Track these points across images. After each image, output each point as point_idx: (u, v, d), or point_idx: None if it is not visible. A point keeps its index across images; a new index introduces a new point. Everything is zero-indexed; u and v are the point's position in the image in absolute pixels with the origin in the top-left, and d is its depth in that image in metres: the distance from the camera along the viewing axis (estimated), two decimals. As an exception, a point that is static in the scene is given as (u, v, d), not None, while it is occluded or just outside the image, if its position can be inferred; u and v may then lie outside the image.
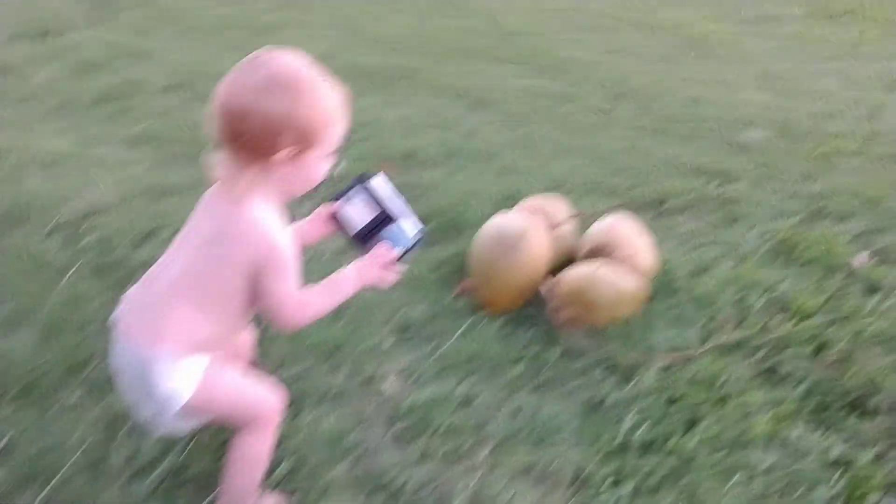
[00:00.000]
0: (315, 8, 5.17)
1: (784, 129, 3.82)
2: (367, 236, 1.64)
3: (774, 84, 4.41)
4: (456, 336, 2.37)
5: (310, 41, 4.55)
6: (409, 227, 1.65)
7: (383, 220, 1.63)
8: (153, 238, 2.72)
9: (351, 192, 1.66)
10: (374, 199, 1.64)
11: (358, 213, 1.66)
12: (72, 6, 4.94)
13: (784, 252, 2.86)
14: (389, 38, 4.70)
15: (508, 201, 3.02)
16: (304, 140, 1.46)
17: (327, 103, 1.47)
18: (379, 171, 1.67)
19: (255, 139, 1.45)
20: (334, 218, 1.70)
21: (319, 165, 1.53)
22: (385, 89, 4.02)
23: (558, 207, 2.76)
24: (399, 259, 1.66)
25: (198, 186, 2.99)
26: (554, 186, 3.18)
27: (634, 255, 2.58)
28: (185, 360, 1.55)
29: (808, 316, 2.53)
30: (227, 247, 1.50)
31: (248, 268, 1.51)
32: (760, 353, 2.37)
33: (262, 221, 1.49)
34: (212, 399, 1.61)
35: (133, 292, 1.61)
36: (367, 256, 1.65)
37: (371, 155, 3.33)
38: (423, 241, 1.65)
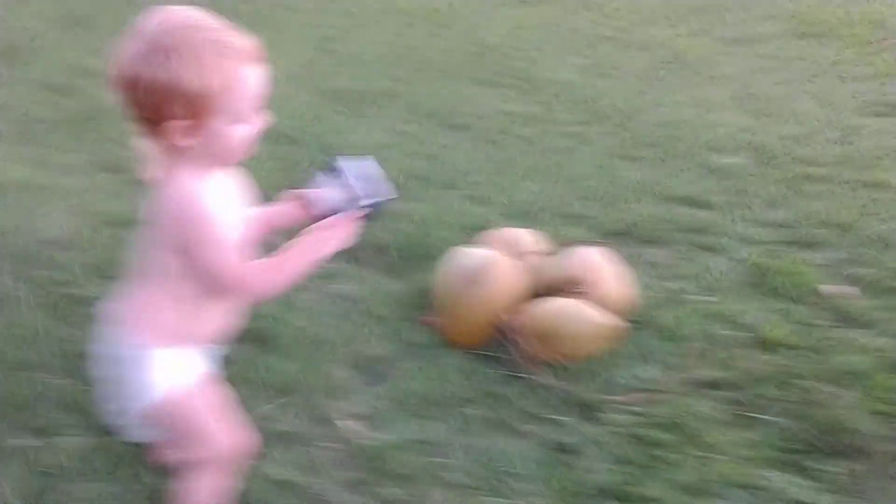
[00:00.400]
0: (290, 27, 5.12)
1: (757, 152, 3.80)
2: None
3: (750, 105, 4.38)
4: (415, 373, 2.32)
5: (282, 60, 4.50)
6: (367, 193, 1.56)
7: (352, 198, 1.55)
8: (109, 270, 2.66)
9: (320, 175, 1.60)
10: (343, 180, 1.57)
11: (327, 193, 1.57)
12: (43, 25, 4.88)
13: (753, 281, 2.82)
14: (363, 57, 4.66)
15: (475, 230, 2.97)
16: (196, 107, 1.36)
17: (218, 66, 1.34)
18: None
19: (146, 110, 1.37)
20: (303, 200, 1.60)
21: (232, 131, 1.41)
22: (355, 111, 3.97)
23: (526, 238, 2.72)
24: (365, 217, 1.57)
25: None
26: (523, 213, 3.14)
27: (603, 287, 2.54)
28: (160, 351, 1.52)
29: (777, 347, 2.50)
30: (158, 224, 1.44)
31: (174, 240, 1.43)
32: (727, 391, 2.34)
33: (181, 191, 1.41)
34: (178, 412, 1.56)
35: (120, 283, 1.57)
36: (323, 222, 1.54)
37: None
38: (388, 205, 1.57)
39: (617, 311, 2.56)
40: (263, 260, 1.50)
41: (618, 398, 2.28)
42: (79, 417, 2.06)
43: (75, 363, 2.23)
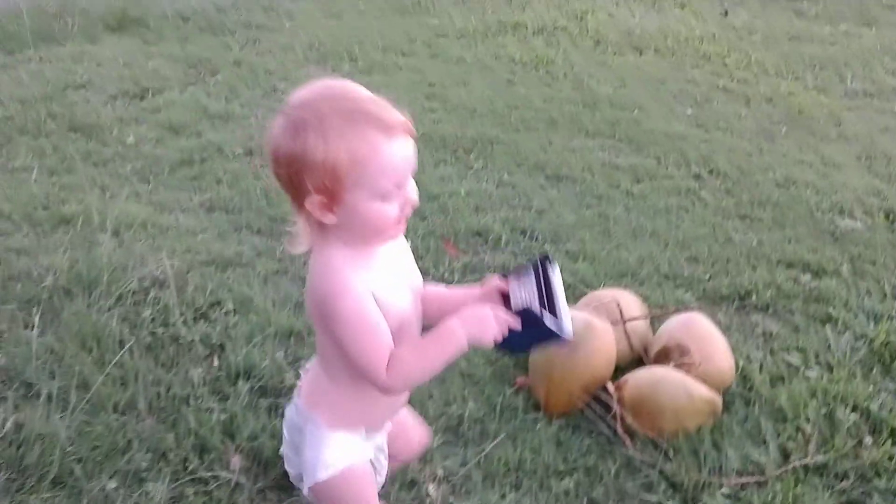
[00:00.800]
0: (400, 72, 5.18)
1: (887, 217, 3.54)
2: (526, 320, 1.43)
3: (878, 166, 4.12)
4: (507, 440, 2.23)
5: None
6: (557, 324, 1.44)
7: (546, 308, 1.44)
8: (213, 312, 2.69)
9: (523, 271, 1.52)
10: (543, 287, 1.47)
11: (524, 293, 1.48)
12: (170, 67, 5.11)
13: (880, 361, 2.60)
14: (472, 104, 4.65)
15: (575, 290, 2.87)
16: (326, 180, 1.31)
17: (348, 137, 1.29)
18: (544, 256, 1.52)
19: (287, 184, 1.36)
20: (500, 292, 1.53)
21: (373, 208, 1.34)
22: (461, 160, 3.95)
23: (628, 301, 2.59)
24: (521, 346, 1.49)
25: (262, 257, 3.03)
26: (628, 273, 3.01)
27: (709, 358, 2.39)
28: (335, 434, 1.53)
29: (905, 439, 2.27)
30: (308, 302, 1.45)
31: (319, 320, 1.42)
32: (846, 482, 2.13)
33: (321, 270, 1.39)
34: (337, 495, 1.57)
35: None
36: (473, 308, 1.45)
37: (438, 230, 3.25)
38: (556, 343, 1.46)
39: (724, 385, 2.40)
40: (412, 345, 1.44)
41: (723, 482, 2.11)
42: (164, 465, 2.07)
43: (167, 408, 2.26)
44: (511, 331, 1.41)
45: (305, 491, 1.59)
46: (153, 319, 2.62)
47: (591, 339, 2.31)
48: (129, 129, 4.18)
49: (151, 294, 2.74)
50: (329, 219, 1.36)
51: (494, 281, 1.54)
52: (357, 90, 1.37)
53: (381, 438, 1.65)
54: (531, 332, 1.41)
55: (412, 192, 1.40)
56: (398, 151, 1.34)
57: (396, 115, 1.34)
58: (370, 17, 6.34)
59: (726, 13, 6.90)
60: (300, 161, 1.32)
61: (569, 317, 1.44)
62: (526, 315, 1.41)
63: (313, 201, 1.34)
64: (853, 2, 7.28)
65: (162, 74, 4.97)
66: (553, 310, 1.44)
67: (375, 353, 1.40)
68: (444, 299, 1.56)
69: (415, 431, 1.82)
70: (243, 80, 4.93)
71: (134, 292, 2.75)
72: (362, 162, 1.31)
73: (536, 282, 1.48)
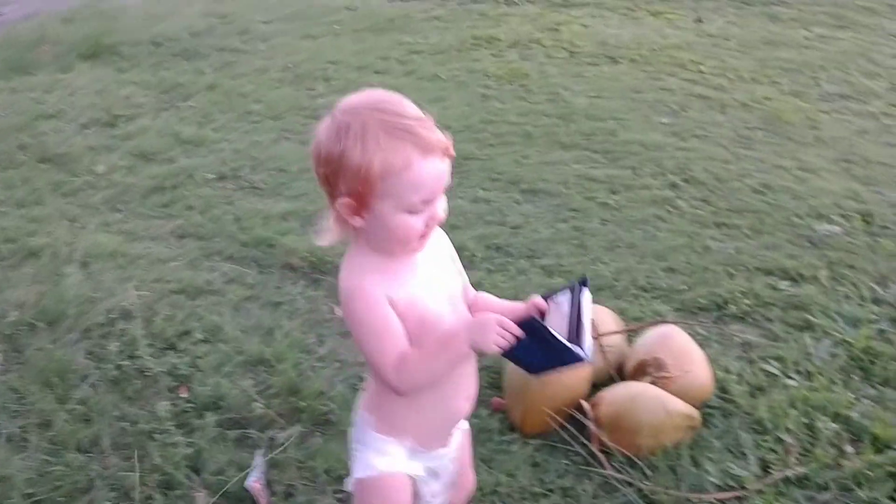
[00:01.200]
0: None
1: (866, 221, 3.52)
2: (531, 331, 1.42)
3: (856, 169, 4.10)
4: (482, 463, 2.18)
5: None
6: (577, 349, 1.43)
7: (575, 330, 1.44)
8: (181, 342, 2.64)
9: (561, 293, 1.52)
10: (576, 309, 1.47)
11: (557, 314, 1.49)
12: (143, 93, 5.07)
13: (860, 367, 2.56)
14: (447, 121, 4.56)
15: (551, 305, 2.83)
16: (357, 185, 1.37)
17: (385, 148, 1.35)
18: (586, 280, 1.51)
19: (324, 182, 1.43)
20: (539, 311, 1.54)
21: (398, 219, 1.39)
22: (436, 178, 3.91)
23: (603, 316, 2.55)
24: (541, 364, 1.47)
25: (233, 284, 2.99)
26: (602, 288, 2.97)
27: (686, 372, 2.35)
28: (380, 437, 1.57)
29: (888, 447, 2.23)
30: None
31: (347, 322, 1.48)
32: (827, 493, 2.09)
33: (347, 273, 1.47)
34: (364, 500, 1.60)
35: None
36: (481, 315, 1.47)
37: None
38: (575, 364, 1.44)
39: (702, 398, 2.36)
40: (420, 349, 1.45)
41: (704, 498, 2.07)
42: (129, 504, 2.02)
43: (132, 444, 2.20)
44: (524, 345, 1.40)
45: (350, 487, 1.63)
46: (120, 352, 2.57)
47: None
48: (100, 157, 4.13)
49: (118, 326, 2.69)
50: (356, 222, 1.42)
51: (536, 300, 1.56)
52: (404, 106, 1.42)
53: (436, 462, 1.65)
54: (545, 349, 1.40)
55: (440, 209, 1.45)
56: (430, 170, 1.39)
57: (436, 136, 1.40)
58: (345, 37, 6.31)
59: (700, 20, 6.90)
60: (337, 162, 1.38)
61: (589, 338, 1.43)
62: (530, 327, 1.39)
63: (343, 203, 1.41)
64: (827, 5, 7.30)
65: (134, 101, 4.93)
66: (578, 332, 1.43)
67: (382, 354, 1.45)
68: (490, 308, 1.58)
69: (467, 478, 1.84)
70: (217, 104, 4.89)
71: (101, 325, 2.70)
72: (394, 174, 1.36)
73: (570, 303, 1.48)
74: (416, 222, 1.41)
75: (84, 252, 3.13)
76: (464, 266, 3.16)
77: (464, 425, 1.74)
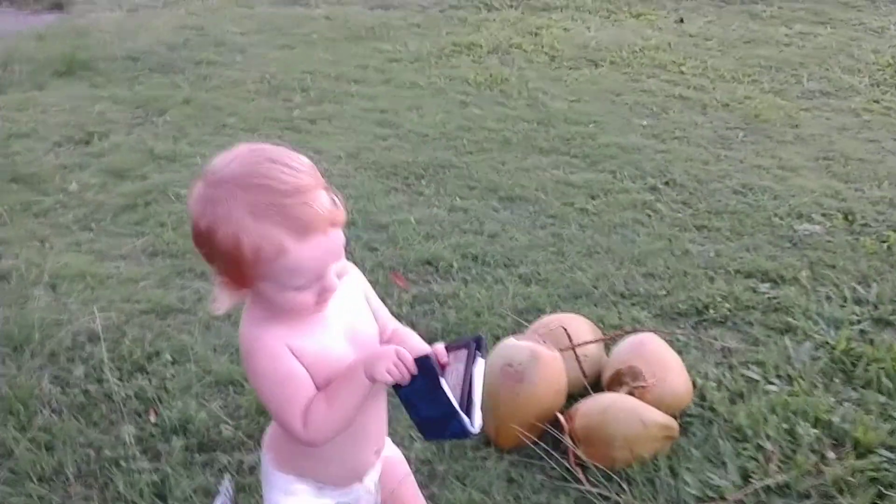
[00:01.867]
0: (353, 100, 5.10)
1: (846, 220, 3.48)
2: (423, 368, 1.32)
3: (836, 167, 4.07)
4: (455, 480, 2.12)
5: (341, 136, 4.47)
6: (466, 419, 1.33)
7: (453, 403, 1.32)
8: (150, 364, 2.58)
9: (460, 348, 1.40)
10: (468, 377, 1.36)
11: (453, 372, 1.38)
12: (117, 109, 5.01)
13: (842, 370, 2.52)
14: (425, 129, 4.57)
15: (527, 315, 2.78)
16: (230, 268, 1.25)
17: (255, 232, 1.19)
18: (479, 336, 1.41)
19: (199, 250, 1.29)
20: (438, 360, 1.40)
21: (282, 296, 1.27)
22: (412, 187, 3.86)
23: (578, 325, 2.50)
24: (424, 421, 1.36)
25: (204, 301, 2.92)
26: (579, 296, 2.93)
27: (663, 380, 2.30)
28: (281, 475, 1.50)
29: (870, 451, 2.18)
30: None
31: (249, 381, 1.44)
32: (809, 501, 2.04)
33: (243, 331, 1.35)
34: None
35: None
36: (381, 347, 1.40)
37: (387, 262, 3.15)
38: (460, 433, 1.33)
39: (680, 407, 2.31)
40: (321, 396, 1.34)
41: (682, 512, 2.02)
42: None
43: (96, 472, 2.14)
44: (416, 386, 1.31)
45: None
46: (86, 376, 2.51)
47: (536, 368, 2.21)
48: (72, 175, 4.07)
49: (85, 349, 2.63)
50: (243, 293, 1.32)
51: (437, 347, 1.41)
52: (279, 175, 1.23)
53: (350, 497, 1.55)
54: (433, 400, 1.31)
55: (332, 279, 1.30)
56: (310, 253, 1.24)
57: (316, 211, 1.23)
58: (321, 47, 6.27)
59: (681, 20, 6.89)
60: (207, 241, 1.25)
61: (479, 411, 1.33)
62: (424, 364, 1.31)
63: (222, 281, 1.29)
64: (807, 2, 7.29)
65: (108, 118, 4.87)
66: (470, 400, 1.33)
67: (290, 406, 1.34)
68: (402, 345, 1.41)
69: None
70: (192, 118, 4.84)
71: (67, 349, 2.64)
72: (266, 261, 1.23)
73: (465, 368, 1.37)
74: (305, 297, 1.29)
75: (52, 273, 3.07)
76: (439, 277, 3.12)
77: (387, 451, 1.62)
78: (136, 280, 3.10)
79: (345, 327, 1.40)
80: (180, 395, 2.41)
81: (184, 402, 2.38)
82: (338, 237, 1.28)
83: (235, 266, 1.24)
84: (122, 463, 2.17)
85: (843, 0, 7.35)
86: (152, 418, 2.35)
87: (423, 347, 1.44)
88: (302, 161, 1.28)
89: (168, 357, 2.60)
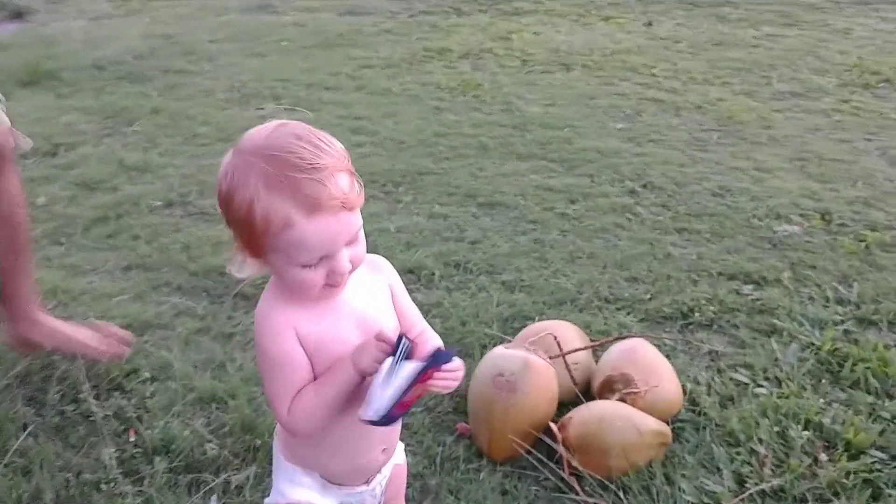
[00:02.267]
0: (326, 107, 5.05)
1: (824, 219, 3.51)
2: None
3: (811, 167, 4.10)
4: (447, 494, 2.08)
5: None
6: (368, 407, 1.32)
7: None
8: (128, 382, 2.51)
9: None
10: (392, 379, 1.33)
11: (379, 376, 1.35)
12: (85, 120, 4.90)
13: (828, 371, 2.52)
14: (401, 136, 4.53)
15: (513, 323, 2.75)
16: (243, 236, 1.30)
17: (269, 207, 1.23)
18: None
19: (222, 216, 1.34)
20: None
21: (291, 272, 1.30)
22: (391, 194, 3.82)
23: (566, 332, 2.48)
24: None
25: (182, 316, 2.86)
26: (564, 302, 2.90)
27: (654, 387, 2.28)
28: (290, 466, 1.52)
29: (862, 452, 2.18)
30: None
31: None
32: (805, 506, 2.04)
33: (258, 314, 1.40)
34: None
35: None
36: (365, 343, 1.36)
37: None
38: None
39: (672, 412, 2.29)
40: (310, 385, 1.37)
41: (679, 519, 2.00)
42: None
43: (76, 497, 2.07)
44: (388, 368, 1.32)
45: None
46: (62, 397, 2.43)
47: (529, 377, 2.18)
48: (40, 189, 3.96)
49: (60, 369, 2.54)
50: (256, 264, 1.35)
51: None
52: (301, 150, 1.25)
53: (353, 499, 1.55)
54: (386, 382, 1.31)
55: (342, 261, 1.31)
56: (317, 230, 1.26)
57: (328, 190, 1.24)
58: (294, 54, 6.21)
59: (650, 24, 6.93)
60: (225, 207, 1.31)
61: (384, 403, 1.31)
62: (398, 341, 1.32)
63: (237, 247, 1.34)
64: (775, 3, 7.38)
65: (76, 128, 4.77)
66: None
67: (280, 389, 1.37)
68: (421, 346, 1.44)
69: None
70: (162, 128, 4.75)
71: (41, 368, 2.55)
72: (275, 233, 1.26)
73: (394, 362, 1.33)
74: (313, 276, 1.30)
75: (23, 290, 2.97)
76: (422, 286, 3.08)
77: (398, 459, 1.64)
78: (110, 295, 3.02)
79: (357, 317, 1.40)
80: (162, 413, 2.34)
81: (166, 421, 2.31)
82: (351, 221, 1.30)
83: (248, 233, 1.28)
84: (104, 486, 2.09)
85: (809, 2, 7.46)
86: (132, 438, 2.28)
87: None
88: (331, 142, 1.30)
89: (147, 374, 2.53)
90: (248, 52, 6.32)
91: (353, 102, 5.13)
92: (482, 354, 2.44)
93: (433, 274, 3.09)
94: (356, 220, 1.31)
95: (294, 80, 5.53)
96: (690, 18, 7.12)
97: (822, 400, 2.37)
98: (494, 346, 2.46)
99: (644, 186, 3.90)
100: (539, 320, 2.70)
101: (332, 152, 1.28)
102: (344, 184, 1.27)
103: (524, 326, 2.62)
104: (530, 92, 5.28)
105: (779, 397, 2.38)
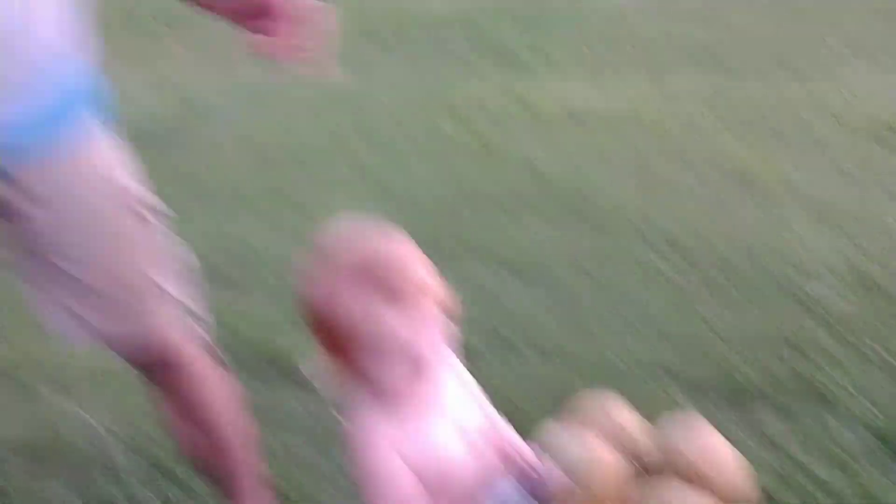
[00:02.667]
0: (335, 163, 5.03)
1: (855, 276, 3.50)
2: None
3: (833, 220, 4.10)
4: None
5: (332, 202, 4.37)
6: None
7: None
8: (178, 468, 2.44)
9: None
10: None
11: None
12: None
13: (889, 447, 2.48)
14: (418, 197, 4.50)
15: (562, 397, 2.70)
16: (325, 338, 1.42)
17: (351, 297, 1.37)
18: None
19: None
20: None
21: (381, 374, 1.41)
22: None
23: (615, 407, 2.42)
24: None
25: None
26: (611, 372, 2.87)
27: (718, 470, 2.21)
28: None
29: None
30: None
31: None
32: None
33: (355, 425, 1.48)
34: None
35: None
36: None
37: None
38: None
39: (740, 497, 2.23)
40: None
41: None
42: None
43: None
44: None
45: None
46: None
47: (598, 475, 2.10)
48: None
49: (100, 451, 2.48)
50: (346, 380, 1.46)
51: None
52: (395, 251, 1.51)
53: None
54: None
55: (424, 351, 1.47)
56: (412, 325, 1.42)
57: (428, 285, 1.47)
58: (303, 110, 6.20)
59: (659, 80, 6.95)
60: (304, 308, 1.49)
61: None
62: None
63: (321, 355, 1.48)
64: (776, 56, 7.43)
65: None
66: None
67: None
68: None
69: None
70: (169, 183, 4.71)
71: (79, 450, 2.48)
72: (357, 328, 1.38)
73: None
74: (404, 374, 1.41)
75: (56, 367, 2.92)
76: (465, 359, 3.02)
77: None
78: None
79: (454, 423, 1.44)
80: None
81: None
82: (433, 312, 1.41)
83: (328, 333, 1.38)
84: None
85: (817, 55, 7.50)
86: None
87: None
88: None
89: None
90: (260, 109, 6.30)
91: (364, 155, 5.11)
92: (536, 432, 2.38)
93: (476, 346, 3.04)
94: (440, 315, 1.50)
95: (305, 137, 5.52)
96: (697, 73, 7.15)
97: (887, 483, 2.32)
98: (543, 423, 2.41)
99: (669, 245, 3.88)
100: (583, 392, 2.65)
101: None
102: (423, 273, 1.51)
103: (570, 400, 2.57)
104: (544, 149, 5.28)
105: (841, 483, 2.32)
